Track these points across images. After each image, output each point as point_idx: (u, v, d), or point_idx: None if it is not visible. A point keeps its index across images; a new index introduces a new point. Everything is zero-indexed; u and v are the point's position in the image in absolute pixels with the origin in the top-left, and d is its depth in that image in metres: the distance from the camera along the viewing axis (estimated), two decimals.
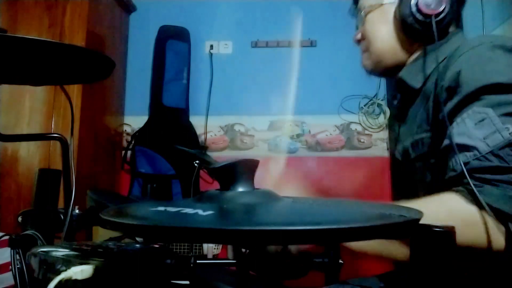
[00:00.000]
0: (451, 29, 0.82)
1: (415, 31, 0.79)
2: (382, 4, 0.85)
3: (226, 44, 2.29)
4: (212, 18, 2.29)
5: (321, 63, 2.23)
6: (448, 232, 0.32)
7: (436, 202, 0.62)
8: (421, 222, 0.34)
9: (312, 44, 2.25)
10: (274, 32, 2.25)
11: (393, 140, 0.92)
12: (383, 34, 0.86)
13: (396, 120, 0.92)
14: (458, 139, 0.63)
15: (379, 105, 2.17)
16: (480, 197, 0.56)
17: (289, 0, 2.28)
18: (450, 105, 0.67)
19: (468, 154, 0.61)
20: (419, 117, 0.78)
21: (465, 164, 0.60)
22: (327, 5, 2.24)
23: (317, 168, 2.19)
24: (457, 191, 0.60)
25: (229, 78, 2.26)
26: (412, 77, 0.82)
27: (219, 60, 2.28)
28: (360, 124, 2.18)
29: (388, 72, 0.90)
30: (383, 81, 2.16)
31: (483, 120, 0.62)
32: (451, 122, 0.65)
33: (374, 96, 2.16)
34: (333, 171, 2.17)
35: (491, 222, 0.56)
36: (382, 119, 2.17)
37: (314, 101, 2.21)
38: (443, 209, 0.61)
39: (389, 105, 2.16)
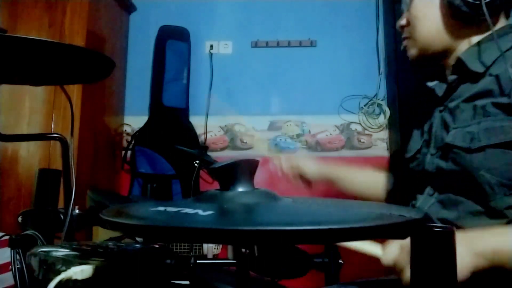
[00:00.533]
0: (501, 19, 0.81)
1: (463, 14, 0.77)
2: None
3: (226, 44, 2.29)
4: (212, 18, 2.29)
5: (321, 63, 2.23)
6: (448, 232, 0.32)
7: None
8: (419, 217, 0.34)
9: (312, 44, 2.25)
10: (274, 32, 2.25)
11: (434, 123, 0.85)
12: (430, 18, 0.83)
13: (438, 106, 0.86)
14: None
15: (379, 105, 2.17)
16: None
17: (289, 0, 2.28)
18: None
19: None
20: (492, 106, 0.73)
21: None
22: (327, 5, 2.24)
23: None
24: None
25: (229, 78, 2.26)
26: (473, 61, 0.79)
27: (219, 60, 2.28)
28: (360, 124, 2.18)
29: (436, 59, 0.87)
30: (383, 81, 2.16)
31: None
32: None
33: (374, 96, 2.16)
34: None
35: None
36: (382, 119, 2.17)
37: (314, 101, 2.21)
38: None
39: (396, 105, 2.16)
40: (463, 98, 0.79)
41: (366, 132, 2.18)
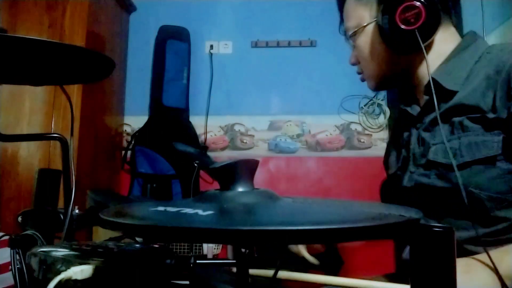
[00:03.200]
0: (447, 29, 0.80)
1: (404, 47, 0.77)
2: (364, 26, 0.83)
3: (226, 44, 2.29)
4: (212, 18, 2.30)
5: (321, 63, 2.23)
6: (448, 232, 0.32)
7: None
8: (419, 217, 0.34)
9: (312, 44, 2.25)
10: (274, 32, 2.25)
11: (412, 141, 0.84)
12: (375, 56, 0.83)
13: (414, 125, 0.85)
14: None
15: (379, 105, 2.17)
16: None
17: (289, 0, 2.28)
18: None
19: None
20: (470, 121, 0.72)
21: None
22: (327, 5, 2.23)
23: (317, 168, 2.19)
24: None
25: (229, 78, 2.26)
26: (446, 79, 0.76)
27: (219, 60, 2.28)
28: (360, 124, 2.18)
29: (397, 80, 0.87)
30: None
31: None
32: None
33: (374, 96, 2.16)
34: (333, 171, 2.17)
35: None
36: (382, 119, 2.17)
37: (314, 101, 2.21)
38: None
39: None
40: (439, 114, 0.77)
41: (366, 132, 2.18)
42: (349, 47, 0.92)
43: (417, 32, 0.73)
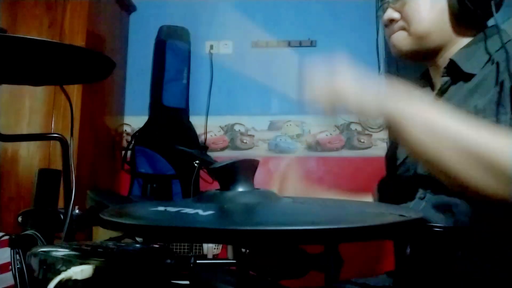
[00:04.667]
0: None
1: (470, 13, 0.76)
2: None
3: (226, 44, 2.29)
4: (212, 18, 2.29)
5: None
6: (448, 232, 0.32)
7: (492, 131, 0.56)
8: (419, 217, 0.34)
9: (312, 44, 2.25)
10: (274, 32, 2.25)
11: None
12: (432, 13, 0.80)
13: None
14: None
15: None
16: None
17: (289, 0, 2.28)
18: None
19: None
20: (477, 102, 0.72)
21: None
22: (327, 5, 2.24)
23: (317, 168, 2.19)
24: None
25: (229, 78, 2.26)
26: (465, 62, 0.77)
27: (219, 60, 2.28)
28: (360, 124, 2.18)
29: (427, 56, 0.84)
30: None
31: None
32: None
33: None
34: (333, 171, 2.17)
35: None
36: (382, 119, 2.17)
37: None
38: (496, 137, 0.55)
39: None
40: (454, 100, 0.78)
41: (366, 132, 2.18)
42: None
43: (492, 3, 0.73)
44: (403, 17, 0.84)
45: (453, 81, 0.81)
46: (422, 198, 0.79)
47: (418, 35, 0.82)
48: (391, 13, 0.85)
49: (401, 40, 0.85)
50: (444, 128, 0.58)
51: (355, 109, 0.67)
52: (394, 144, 0.97)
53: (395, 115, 0.62)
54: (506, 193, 0.53)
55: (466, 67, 0.77)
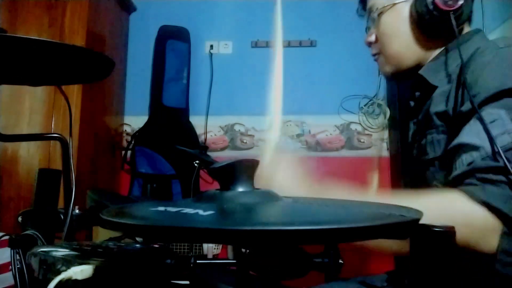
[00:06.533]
0: (466, 27, 0.81)
1: (433, 28, 0.77)
2: (395, 4, 0.82)
3: (226, 44, 2.29)
4: (212, 18, 2.29)
5: (321, 63, 2.23)
6: (448, 232, 0.32)
7: (438, 197, 0.61)
8: (419, 217, 0.34)
9: (312, 44, 2.25)
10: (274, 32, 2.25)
11: (406, 138, 0.87)
12: (400, 34, 0.83)
13: (409, 118, 0.88)
14: (467, 139, 0.62)
15: (379, 105, 2.17)
16: (479, 195, 0.56)
17: (289, 0, 2.28)
18: (467, 106, 0.66)
19: (475, 154, 0.61)
20: (437, 116, 0.75)
21: (470, 163, 0.60)
22: (327, 5, 2.24)
23: (317, 168, 2.19)
24: (459, 189, 0.59)
25: (229, 78, 2.26)
26: (433, 74, 0.79)
27: (219, 60, 2.28)
28: (360, 124, 2.18)
29: (409, 74, 0.86)
30: (383, 81, 2.15)
31: (494, 121, 0.61)
32: (466, 123, 0.64)
33: (374, 96, 2.16)
34: (333, 171, 2.17)
35: (488, 222, 0.56)
36: (382, 119, 2.17)
37: (314, 101, 2.21)
38: (443, 204, 0.60)
39: (396, 105, 2.16)
40: (424, 109, 0.80)
41: (366, 132, 2.18)
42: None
43: (451, 15, 0.73)
44: (377, 40, 0.87)
45: (424, 95, 0.82)
46: None
47: (391, 57, 0.85)
48: (368, 37, 0.89)
49: (382, 64, 0.88)
50: None
51: None
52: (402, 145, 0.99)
53: None
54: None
55: (432, 80, 0.79)
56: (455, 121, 0.69)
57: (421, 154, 0.78)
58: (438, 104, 0.75)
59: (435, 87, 0.78)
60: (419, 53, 0.83)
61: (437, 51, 0.82)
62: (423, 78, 0.80)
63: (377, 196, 0.64)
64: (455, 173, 0.63)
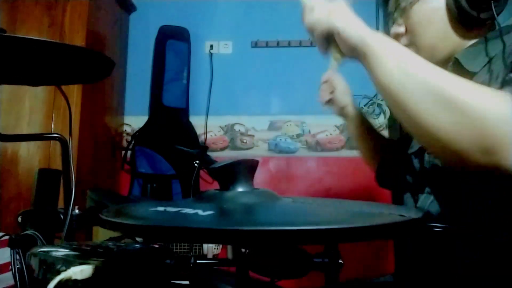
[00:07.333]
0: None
1: (472, 18, 0.76)
2: None
3: (226, 44, 2.29)
4: (212, 18, 2.29)
5: (321, 63, 2.23)
6: (448, 232, 0.32)
7: (487, 88, 0.56)
8: (419, 217, 0.34)
9: (312, 44, 2.25)
10: (274, 32, 2.25)
11: None
12: (435, 23, 0.80)
13: None
14: None
15: (379, 105, 2.17)
16: None
17: (289, 0, 2.28)
18: None
19: None
20: None
21: None
22: None
23: (317, 168, 2.19)
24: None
25: (229, 78, 2.26)
26: (470, 60, 0.77)
27: (219, 60, 2.28)
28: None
29: (440, 65, 0.86)
30: None
31: None
32: None
33: (374, 96, 2.16)
34: (333, 171, 2.17)
35: None
36: (382, 119, 2.17)
37: (314, 101, 2.20)
38: (491, 93, 0.54)
39: None
40: None
41: None
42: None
43: (492, 3, 0.73)
44: (408, 31, 0.85)
45: None
46: (430, 193, 0.80)
47: (425, 49, 0.82)
48: (396, 29, 0.86)
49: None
50: (415, 66, 0.58)
51: (331, 31, 0.69)
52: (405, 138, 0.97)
53: (372, 43, 0.62)
54: (487, 153, 0.50)
55: (469, 66, 0.77)
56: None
57: None
58: None
59: (469, 73, 0.76)
60: (454, 44, 0.81)
61: (472, 42, 0.80)
62: (458, 63, 0.77)
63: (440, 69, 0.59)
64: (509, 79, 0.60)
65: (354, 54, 0.67)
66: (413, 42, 0.84)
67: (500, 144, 0.50)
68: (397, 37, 0.87)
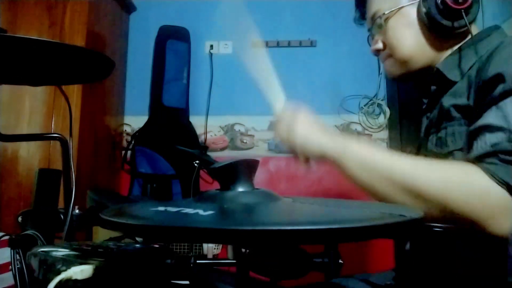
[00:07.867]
0: (473, 28, 0.80)
1: (445, 28, 0.77)
2: (401, 7, 0.82)
3: (226, 44, 2.29)
4: (212, 18, 2.29)
5: (321, 63, 2.23)
6: (448, 232, 0.32)
7: (456, 168, 0.62)
8: (419, 217, 0.34)
9: (312, 44, 2.25)
10: (274, 32, 2.25)
11: (422, 131, 0.87)
12: (410, 37, 0.82)
13: (421, 113, 0.89)
14: (493, 121, 0.62)
15: (379, 105, 2.17)
16: (501, 174, 0.56)
17: (289, 0, 2.28)
18: (493, 93, 0.65)
19: (500, 135, 0.61)
20: (456, 109, 0.75)
21: (495, 144, 0.60)
22: (327, 5, 2.24)
23: (317, 168, 2.19)
24: (479, 166, 0.60)
25: (229, 78, 2.26)
26: (451, 70, 0.79)
27: (219, 60, 2.28)
28: (360, 124, 2.18)
29: (417, 76, 0.86)
30: (383, 81, 2.16)
31: None
32: (490, 108, 0.64)
33: (374, 96, 2.16)
34: (333, 171, 2.17)
35: (506, 202, 0.56)
36: (382, 119, 2.17)
37: (314, 101, 2.20)
38: (461, 176, 0.60)
39: (396, 105, 2.16)
40: (440, 103, 0.80)
41: (366, 132, 2.18)
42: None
43: (463, 12, 0.74)
44: (386, 46, 0.87)
45: (440, 89, 0.82)
46: None
47: (402, 61, 0.85)
48: (375, 45, 0.89)
49: (390, 66, 0.88)
50: (378, 164, 0.65)
51: (300, 149, 0.74)
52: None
53: (333, 154, 0.70)
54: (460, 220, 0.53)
55: (450, 75, 0.78)
56: (478, 110, 0.68)
57: (439, 146, 0.77)
58: (457, 98, 0.74)
59: (451, 82, 0.78)
60: (431, 54, 0.82)
61: (449, 51, 0.81)
62: (440, 73, 0.80)
63: (398, 156, 0.65)
64: (477, 152, 0.63)
65: (322, 160, 0.73)
66: (391, 56, 0.86)
67: (487, 221, 0.56)
68: (377, 52, 0.90)
